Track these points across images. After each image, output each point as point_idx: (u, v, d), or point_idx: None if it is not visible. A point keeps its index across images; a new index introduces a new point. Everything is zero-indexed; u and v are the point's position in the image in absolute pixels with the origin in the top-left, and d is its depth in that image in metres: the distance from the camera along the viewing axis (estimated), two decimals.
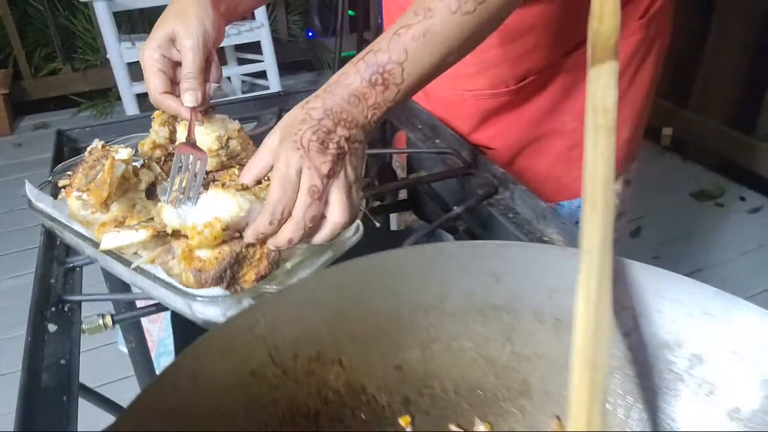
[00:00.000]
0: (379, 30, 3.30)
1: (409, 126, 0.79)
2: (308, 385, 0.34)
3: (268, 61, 2.44)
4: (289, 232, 0.45)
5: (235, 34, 2.34)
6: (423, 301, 0.37)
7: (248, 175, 0.49)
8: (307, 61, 3.27)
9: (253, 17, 2.44)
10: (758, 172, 2.05)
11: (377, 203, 0.83)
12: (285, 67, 2.85)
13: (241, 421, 0.31)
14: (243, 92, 2.88)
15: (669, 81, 2.31)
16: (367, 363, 0.36)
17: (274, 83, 2.47)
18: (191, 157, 0.53)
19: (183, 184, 0.52)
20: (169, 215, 0.47)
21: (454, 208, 0.60)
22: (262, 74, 2.59)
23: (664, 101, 2.32)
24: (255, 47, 2.48)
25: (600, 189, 0.35)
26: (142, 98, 2.35)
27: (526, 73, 0.73)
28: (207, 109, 0.58)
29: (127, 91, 2.30)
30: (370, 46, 0.49)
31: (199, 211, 0.46)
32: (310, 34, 3.29)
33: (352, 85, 0.47)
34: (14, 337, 1.62)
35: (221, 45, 0.62)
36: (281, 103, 0.84)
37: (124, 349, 0.96)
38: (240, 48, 2.68)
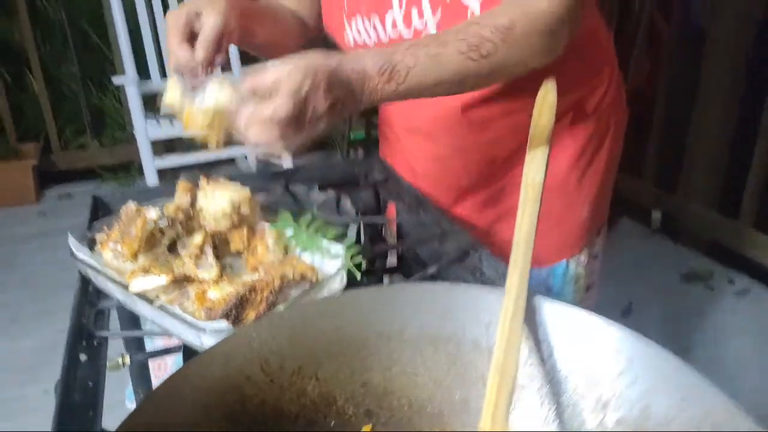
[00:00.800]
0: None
1: (398, 199, 0.91)
2: (290, 392, 0.43)
3: None
4: (263, 125, 0.54)
5: None
6: (386, 331, 0.46)
7: (265, 73, 0.54)
8: (318, 141, 3.47)
9: None
10: (746, 255, 2.13)
11: (370, 266, 0.93)
12: None
13: (239, 415, 0.40)
14: (257, 170, 3.04)
15: (657, 166, 2.45)
16: (338, 378, 0.45)
17: (286, 161, 2.63)
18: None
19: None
20: (172, 94, 0.61)
21: (429, 268, 0.71)
22: None
23: (653, 185, 2.45)
24: None
25: (522, 248, 0.45)
26: (163, 173, 2.52)
27: (494, 158, 0.85)
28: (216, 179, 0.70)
29: (149, 164, 2.47)
30: (395, 45, 0.60)
31: (200, 97, 0.59)
32: None
33: (365, 64, 0.57)
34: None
35: None
36: (287, 177, 0.96)
37: (132, 406, 1.04)
38: None
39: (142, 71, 2.61)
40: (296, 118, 0.54)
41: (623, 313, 1.97)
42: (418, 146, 0.92)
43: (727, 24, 2.05)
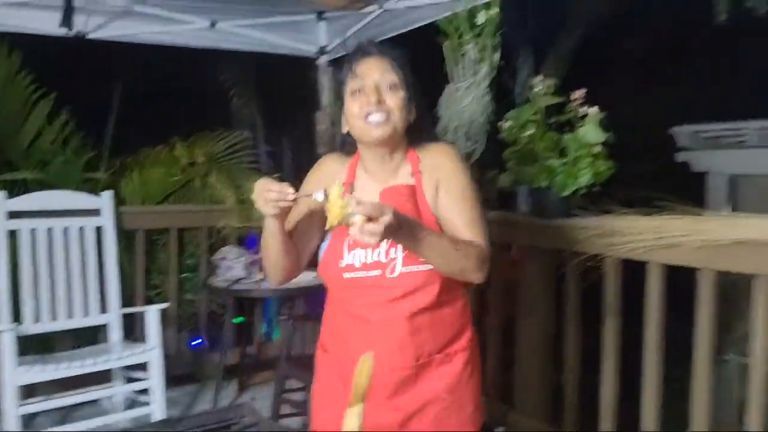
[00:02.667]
0: (260, 346, 3.71)
1: None
2: None
3: (154, 381, 2.68)
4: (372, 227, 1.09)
5: (128, 356, 2.63)
6: None
7: (371, 207, 1.10)
8: (190, 373, 3.53)
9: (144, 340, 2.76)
10: None
11: None
12: (169, 380, 3.08)
13: None
14: (124, 408, 2.98)
15: (499, 385, 2.81)
16: None
17: (157, 401, 2.67)
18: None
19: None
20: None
21: None
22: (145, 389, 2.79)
23: (495, 403, 2.78)
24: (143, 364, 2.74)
25: None
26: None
27: (417, 358, 1.35)
28: None
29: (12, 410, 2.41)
30: (424, 228, 1.25)
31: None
32: (196, 343, 3.62)
33: (418, 223, 1.23)
34: None
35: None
36: None
37: None
38: (128, 366, 2.91)
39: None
40: (388, 232, 1.10)
41: None
42: (360, 335, 1.37)
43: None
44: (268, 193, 1.21)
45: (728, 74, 6.49)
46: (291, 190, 1.22)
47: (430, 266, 1.32)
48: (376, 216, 1.08)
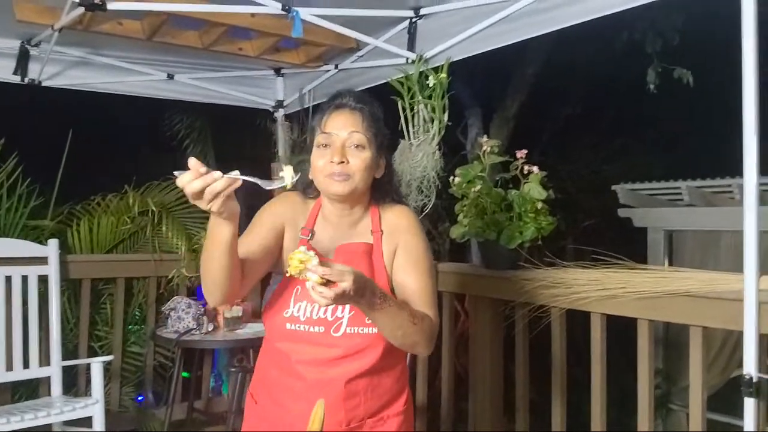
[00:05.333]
0: (209, 400, 3.61)
1: None
2: None
3: None
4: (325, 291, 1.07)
5: (69, 410, 2.52)
6: None
7: (330, 272, 1.06)
8: (134, 430, 3.39)
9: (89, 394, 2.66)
10: None
11: None
12: None
13: None
14: None
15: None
16: None
17: None
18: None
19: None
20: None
21: None
22: None
23: None
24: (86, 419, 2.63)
25: None
26: None
27: (349, 422, 1.33)
28: None
29: None
30: (387, 298, 1.21)
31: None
32: (140, 399, 3.49)
33: (384, 290, 1.21)
34: None
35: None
36: None
37: None
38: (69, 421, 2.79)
39: None
40: (342, 298, 1.08)
41: None
42: (292, 393, 1.34)
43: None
44: (214, 184, 1.05)
45: (665, 136, 6.94)
46: (236, 171, 1.09)
47: (375, 329, 1.31)
48: (334, 281, 1.06)
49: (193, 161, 1.05)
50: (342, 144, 1.33)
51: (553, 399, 2.28)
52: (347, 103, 1.38)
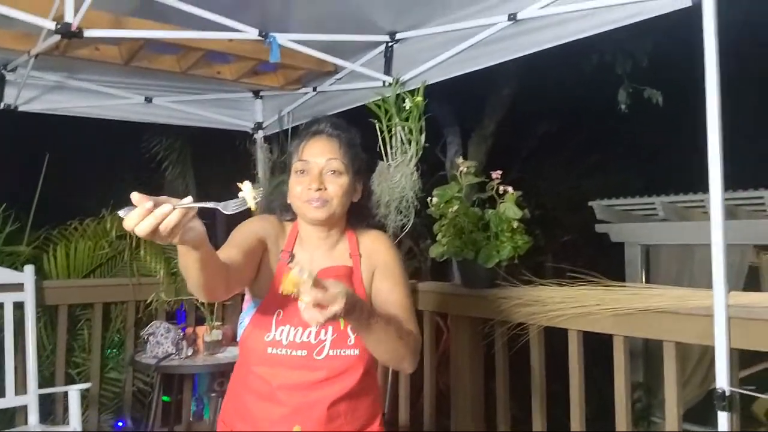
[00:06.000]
0: (190, 425, 3.56)
1: None
2: None
3: None
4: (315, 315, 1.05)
5: None
6: None
7: (322, 297, 1.05)
8: None
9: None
10: None
11: None
12: None
13: None
14: None
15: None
16: None
17: None
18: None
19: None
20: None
21: None
22: None
23: None
24: None
25: None
26: None
27: None
28: None
29: None
30: (376, 315, 1.23)
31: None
32: (119, 425, 3.43)
33: (371, 308, 1.23)
34: None
35: None
36: None
37: None
38: None
39: None
40: (332, 319, 1.07)
41: None
42: (271, 418, 1.35)
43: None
44: (167, 220, 0.93)
45: (639, 153, 7.09)
46: (188, 198, 0.98)
47: (357, 351, 1.35)
48: (325, 305, 1.06)
49: (136, 196, 0.92)
50: (319, 171, 1.36)
51: (534, 415, 2.30)
52: (324, 129, 1.41)
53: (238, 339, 1.45)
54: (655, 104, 4.13)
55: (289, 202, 1.43)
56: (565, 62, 4.15)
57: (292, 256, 1.42)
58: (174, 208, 0.93)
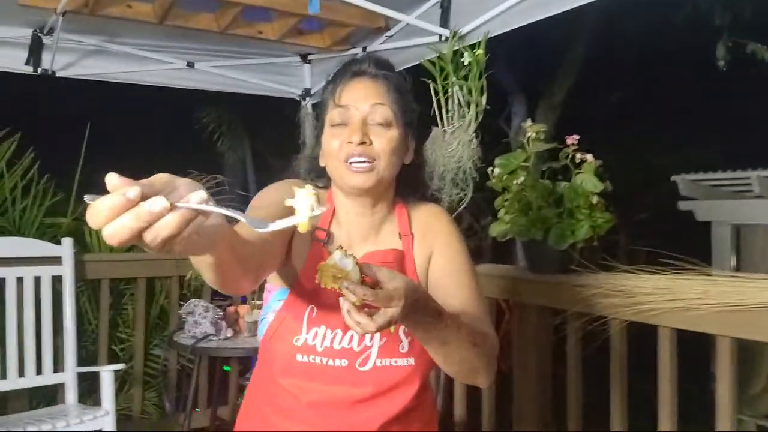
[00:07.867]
0: (236, 408, 3.41)
1: None
2: None
3: None
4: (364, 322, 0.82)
5: (76, 423, 2.36)
6: None
7: (373, 296, 0.80)
8: None
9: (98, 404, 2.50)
10: None
11: None
12: None
13: None
14: None
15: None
16: None
17: None
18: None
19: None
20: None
21: None
22: None
23: None
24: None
25: None
26: None
27: None
28: None
29: None
30: (444, 317, 0.92)
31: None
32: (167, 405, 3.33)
33: (441, 308, 0.91)
34: None
35: None
36: None
37: None
38: None
39: None
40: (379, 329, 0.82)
41: None
42: None
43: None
44: (159, 224, 0.56)
45: (728, 123, 6.41)
46: (200, 193, 0.61)
47: (411, 360, 1.05)
48: (380, 306, 0.81)
49: (114, 178, 0.55)
50: (362, 120, 1.05)
51: (612, 419, 1.96)
52: (368, 69, 1.10)
53: (258, 338, 1.15)
54: (758, 62, 3.58)
55: (322, 164, 1.13)
56: (649, 16, 3.66)
57: (330, 235, 1.12)
58: (172, 207, 0.56)
